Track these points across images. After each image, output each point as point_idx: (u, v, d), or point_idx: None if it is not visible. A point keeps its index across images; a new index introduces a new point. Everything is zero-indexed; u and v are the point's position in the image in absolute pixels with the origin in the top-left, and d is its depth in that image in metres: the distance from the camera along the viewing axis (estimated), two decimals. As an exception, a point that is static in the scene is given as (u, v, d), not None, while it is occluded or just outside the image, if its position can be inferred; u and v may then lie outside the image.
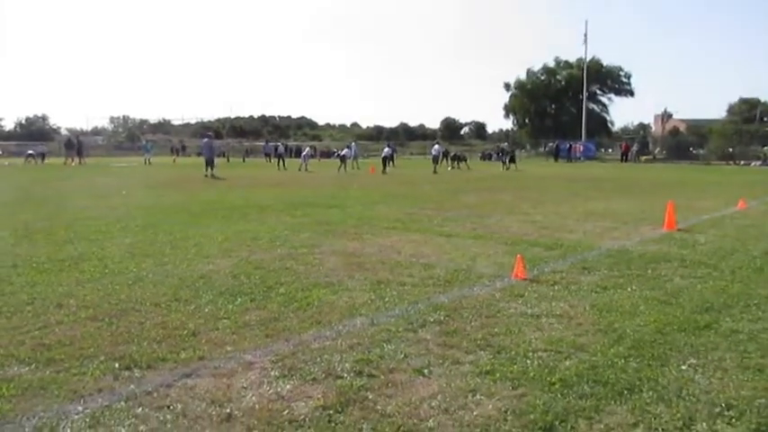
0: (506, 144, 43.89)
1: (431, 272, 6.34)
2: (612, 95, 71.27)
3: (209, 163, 25.83)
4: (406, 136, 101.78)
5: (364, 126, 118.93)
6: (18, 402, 3.13)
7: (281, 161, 34.97)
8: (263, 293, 5.36)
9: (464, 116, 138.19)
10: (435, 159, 31.15)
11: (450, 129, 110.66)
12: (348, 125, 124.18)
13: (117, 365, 3.63)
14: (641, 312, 4.82)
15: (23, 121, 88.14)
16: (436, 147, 33.43)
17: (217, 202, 13.93)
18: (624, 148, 52.35)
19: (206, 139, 28.64)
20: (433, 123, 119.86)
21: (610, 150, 65.05)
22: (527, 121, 74.74)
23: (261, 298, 5.22)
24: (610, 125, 73.97)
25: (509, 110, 75.07)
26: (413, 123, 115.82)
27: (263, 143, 57.43)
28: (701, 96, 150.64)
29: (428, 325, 4.51)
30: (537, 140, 68.08)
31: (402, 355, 3.87)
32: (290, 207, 12.77)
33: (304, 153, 35.96)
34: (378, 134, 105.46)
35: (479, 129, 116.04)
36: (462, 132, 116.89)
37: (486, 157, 61.12)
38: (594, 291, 5.51)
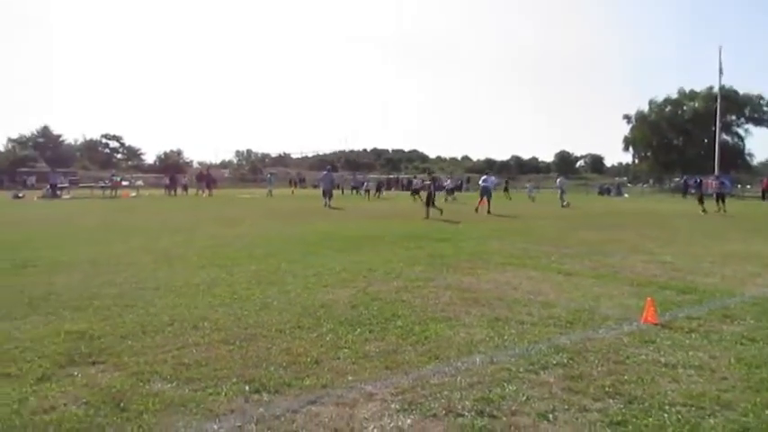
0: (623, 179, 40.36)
1: (550, 311, 6.13)
2: (751, 126, 65.98)
3: (327, 194, 27.20)
4: (517, 169, 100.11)
5: (475, 158, 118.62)
6: (162, 417, 3.37)
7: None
8: (380, 325, 5.44)
9: (580, 149, 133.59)
10: (487, 192, 24.06)
11: (566, 162, 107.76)
12: (459, 158, 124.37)
13: (247, 388, 3.81)
14: (798, 369, 4.33)
15: (162, 156, 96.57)
16: (490, 178, 25.70)
17: (333, 233, 14.39)
18: (765, 184, 47.79)
19: (325, 172, 30.48)
20: (547, 156, 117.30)
21: (748, 186, 59.66)
22: (649, 154, 70.99)
23: (379, 329, 5.29)
24: (748, 158, 68.32)
25: (629, 142, 71.76)
26: (525, 156, 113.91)
27: (374, 176, 59.26)
28: None
29: (550, 367, 4.34)
30: (660, 175, 64.36)
31: (524, 398, 3.74)
32: (403, 239, 12.91)
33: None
34: (488, 167, 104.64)
35: (596, 162, 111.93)
36: (577, 165, 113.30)
37: (604, 191, 58.70)
38: (740, 342, 5.03)
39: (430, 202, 20.68)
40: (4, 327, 5.26)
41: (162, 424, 3.28)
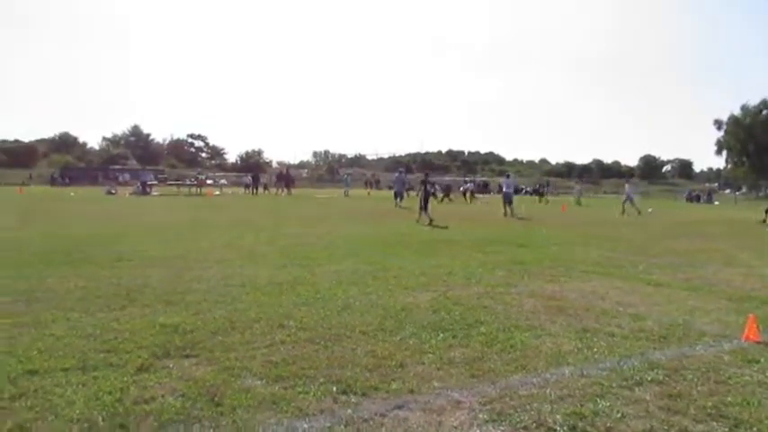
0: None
1: (641, 324, 5.85)
2: None
3: (399, 195, 28.04)
4: (599, 173, 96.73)
5: (553, 162, 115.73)
6: (254, 413, 3.45)
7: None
8: (463, 331, 5.36)
9: (666, 153, 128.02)
10: (508, 198, 23.78)
11: (650, 166, 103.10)
12: (536, 161, 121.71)
13: (335, 389, 3.85)
14: None
15: (243, 155, 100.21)
16: (507, 181, 25.15)
17: (410, 235, 14.40)
18: None
19: (397, 174, 31.57)
20: (631, 160, 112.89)
21: None
22: (744, 159, 66.88)
23: (462, 335, 5.22)
24: None
25: (722, 146, 67.90)
26: (607, 160, 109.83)
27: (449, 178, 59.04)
28: None
29: (645, 384, 4.14)
30: (756, 181, 60.50)
31: (619, 414, 3.58)
32: (480, 243, 12.75)
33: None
34: (568, 171, 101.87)
35: (684, 167, 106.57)
36: (664, 170, 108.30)
37: (693, 198, 55.83)
38: None
39: (423, 205, 18.84)
40: (105, 317, 5.57)
41: (255, 420, 3.37)
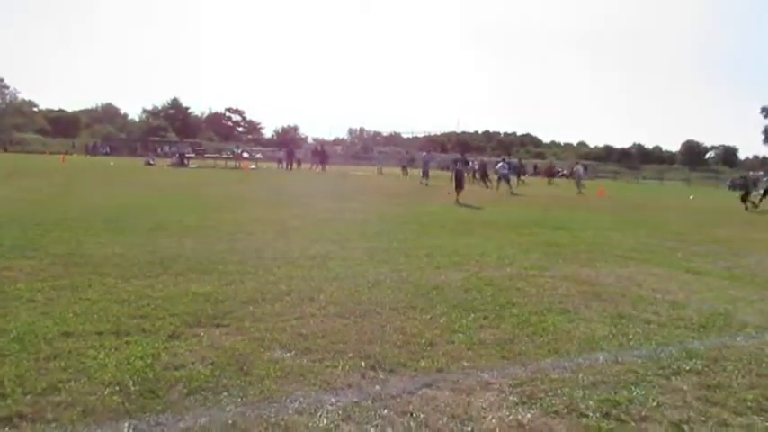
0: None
1: (680, 312, 5.68)
2: None
3: (425, 174, 30.48)
4: (639, 158, 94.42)
5: (592, 145, 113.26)
6: (282, 385, 3.46)
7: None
8: (495, 312, 5.28)
9: (710, 139, 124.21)
10: (505, 178, 26.97)
11: (693, 153, 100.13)
12: (574, 144, 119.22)
13: (363, 364, 3.83)
14: None
15: (279, 131, 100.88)
16: (501, 164, 28.56)
17: (442, 214, 14.29)
18: None
19: (424, 154, 35.14)
20: (672, 146, 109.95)
21: None
22: (793, 147, 64.43)
23: (493, 316, 5.14)
24: None
25: (770, 134, 65.53)
26: (648, 144, 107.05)
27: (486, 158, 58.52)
28: None
29: (683, 373, 4.00)
30: (805, 171, 58.22)
31: (654, 403, 3.47)
32: (516, 225, 12.57)
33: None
34: (607, 155, 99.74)
35: (728, 154, 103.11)
36: (707, 157, 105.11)
37: (736, 186, 54.04)
38: None
39: (456, 185, 19.68)
40: (139, 284, 5.65)
41: (282, 392, 3.36)
